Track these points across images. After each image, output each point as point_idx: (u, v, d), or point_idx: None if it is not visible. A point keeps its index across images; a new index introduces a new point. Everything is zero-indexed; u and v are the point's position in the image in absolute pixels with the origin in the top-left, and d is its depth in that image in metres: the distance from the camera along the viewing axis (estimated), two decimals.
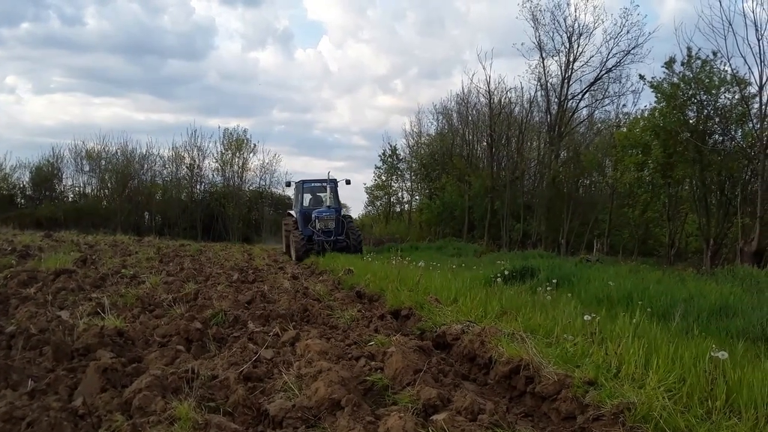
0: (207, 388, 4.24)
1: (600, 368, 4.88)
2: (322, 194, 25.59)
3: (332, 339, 6.23)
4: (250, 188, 47.80)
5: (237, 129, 46.47)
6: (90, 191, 46.64)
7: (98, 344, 4.91)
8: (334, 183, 24.94)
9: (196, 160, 45.94)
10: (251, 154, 46.67)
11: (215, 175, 46.71)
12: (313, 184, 25.95)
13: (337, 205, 24.72)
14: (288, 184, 26.74)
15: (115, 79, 73.88)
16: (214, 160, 46.12)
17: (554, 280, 10.87)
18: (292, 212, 26.10)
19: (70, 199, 45.87)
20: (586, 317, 6.17)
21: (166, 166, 46.69)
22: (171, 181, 46.50)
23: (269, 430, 3.76)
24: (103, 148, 45.60)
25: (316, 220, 22.88)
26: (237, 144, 45.85)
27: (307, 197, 25.94)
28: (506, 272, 12.14)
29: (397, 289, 9.82)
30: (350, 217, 26.66)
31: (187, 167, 46.00)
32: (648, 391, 4.29)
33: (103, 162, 45.74)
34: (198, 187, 46.59)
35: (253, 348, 5.43)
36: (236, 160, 46.26)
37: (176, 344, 5.47)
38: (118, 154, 45.82)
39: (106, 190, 46.20)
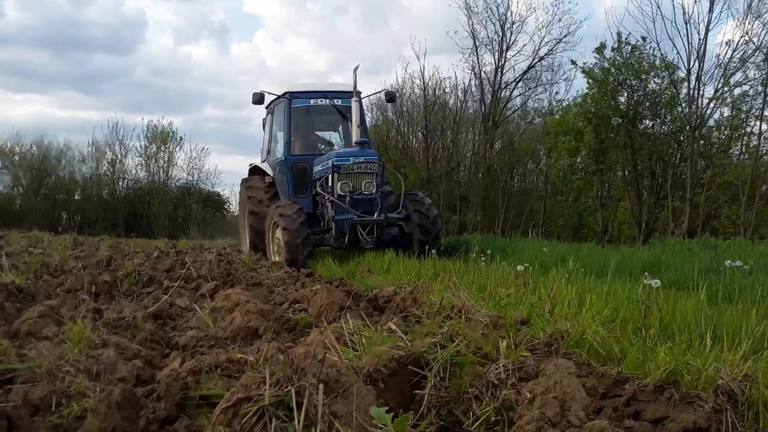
0: (112, 327, 3.87)
1: (534, 308, 4.80)
2: (326, 134, 13.77)
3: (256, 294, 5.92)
4: (177, 184, 45.37)
5: (161, 121, 44.13)
6: (2, 189, 43.29)
7: None
8: (359, 99, 11.77)
9: (119, 155, 43.32)
10: (177, 148, 44.20)
11: (139, 170, 44.06)
12: (311, 102, 12.45)
13: (373, 149, 11.73)
14: (258, 101, 12.80)
15: (38, 75, 69.70)
16: (137, 155, 43.54)
17: (488, 251, 10.73)
18: (263, 165, 13.27)
19: None
20: (519, 267, 6.11)
21: (86, 161, 43.80)
22: (91, 178, 43.66)
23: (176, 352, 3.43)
24: (17, 143, 42.53)
25: (336, 174, 10.56)
26: (162, 137, 43.37)
27: (299, 137, 12.78)
28: (440, 247, 11.94)
29: (329, 263, 9.74)
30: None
31: (108, 163, 43.35)
32: (581, 321, 4.18)
33: (17, 158, 42.68)
34: (120, 183, 44.00)
35: (167, 299, 5.07)
36: (161, 154, 43.81)
37: (82, 296, 5.04)
38: (33, 149, 42.91)
39: (20, 188, 43.03)
